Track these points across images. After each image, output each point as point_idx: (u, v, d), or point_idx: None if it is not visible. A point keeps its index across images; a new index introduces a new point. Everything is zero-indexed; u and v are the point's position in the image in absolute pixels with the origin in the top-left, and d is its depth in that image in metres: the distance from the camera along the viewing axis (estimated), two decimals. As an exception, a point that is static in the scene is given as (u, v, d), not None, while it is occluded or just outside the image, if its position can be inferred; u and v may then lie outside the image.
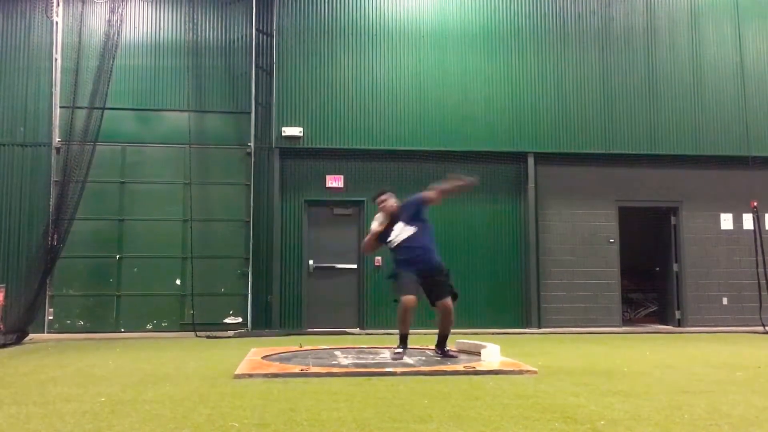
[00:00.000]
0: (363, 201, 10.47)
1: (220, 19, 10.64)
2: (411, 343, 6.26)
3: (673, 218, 11.17)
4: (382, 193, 6.36)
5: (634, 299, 12.22)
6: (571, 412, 3.72)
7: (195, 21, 10.51)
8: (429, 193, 6.28)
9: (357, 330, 10.09)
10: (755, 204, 10.82)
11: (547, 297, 10.60)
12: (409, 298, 5.88)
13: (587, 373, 5.42)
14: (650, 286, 12.03)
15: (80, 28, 10.19)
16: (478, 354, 5.90)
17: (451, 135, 10.56)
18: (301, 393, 4.32)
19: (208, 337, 9.13)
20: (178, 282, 10.06)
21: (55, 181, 9.77)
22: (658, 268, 11.61)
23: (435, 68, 10.68)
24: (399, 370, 5.24)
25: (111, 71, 9.62)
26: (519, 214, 10.78)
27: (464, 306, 10.14)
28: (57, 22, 10.28)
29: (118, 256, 10.02)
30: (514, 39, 10.87)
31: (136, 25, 10.43)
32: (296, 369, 5.26)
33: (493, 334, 9.33)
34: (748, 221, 11.01)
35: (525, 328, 10.39)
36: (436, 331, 6.20)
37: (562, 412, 3.72)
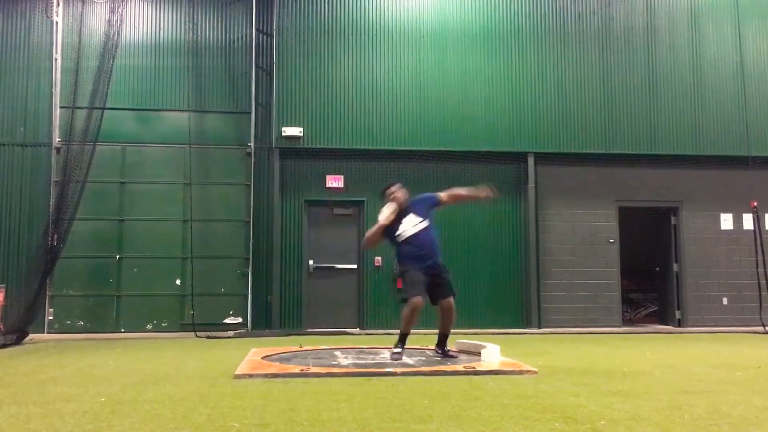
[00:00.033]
0: (363, 201, 10.47)
1: (220, 19, 10.64)
2: (411, 343, 6.26)
3: (673, 218, 11.17)
4: (392, 185, 6.31)
5: (634, 299, 12.22)
6: (571, 412, 3.72)
7: (195, 21, 10.51)
8: (444, 195, 6.28)
9: (357, 330, 10.09)
10: (755, 204, 10.82)
11: (547, 297, 10.60)
12: (419, 300, 5.86)
13: (587, 373, 5.42)
14: (650, 286, 12.03)
15: (80, 28, 10.19)
16: (478, 354, 5.90)
17: (451, 135, 10.56)
18: (301, 393, 4.32)
19: (208, 337, 9.13)
20: (178, 282, 10.06)
21: (55, 181, 9.77)
22: (658, 268, 11.61)
23: (435, 68, 10.68)
24: (399, 370, 5.24)
25: (111, 71, 9.62)
26: (519, 214, 10.77)
27: (464, 306, 10.13)
28: (57, 22, 10.28)
29: (118, 256, 10.03)
30: (514, 39, 10.87)
31: (136, 25, 10.43)
32: (296, 369, 5.26)
33: (493, 334, 9.33)
34: (748, 221, 11.01)
35: (525, 328, 10.39)
36: (436, 331, 6.20)
37: (562, 412, 3.72)
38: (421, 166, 10.49)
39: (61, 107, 10.08)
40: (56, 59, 10.22)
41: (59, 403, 4.04)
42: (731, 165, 11.11)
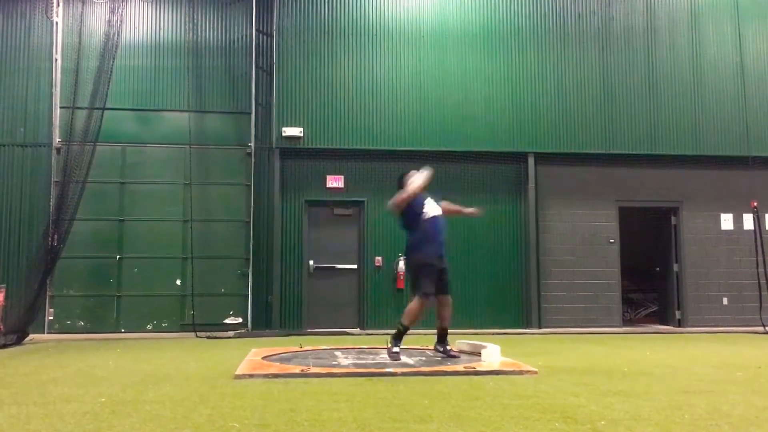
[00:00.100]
0: (363, 201, 10.48)
1: (220, 19, 10.64)
2: (411, 343, 6.26)
3: (673, 218, 11.17)
4: (410, 172, 6.26)
5: (635, 299, 12.22)
6: (572, 412, 3.72)
7: (195, 21, 10.52)
8: (443, 204, 6.29)
9: (357, 330, 10.09)
10: (755, 204, 10.82)
11: (547, 297, 10.60)
12: (432, 300, 5.88)
13: (587, 373, 5.42)
14: (650, 287, 12.03)
15: (80, 29, 10.19)
16: (479, 354, 5.89)
17: (451, 135, 10.56)
18: (302, 393, 4.33)
19: (209, 337, 9.13)
20: (178, 282, 10.07)
21: (56, 181, 9.77)
22: (658, 269, 11.61)
23: (435, 68, 10.68)
24: (399, 370, 5.24)
25: (111, 71, 9.62)
26: (519, 214, 10.78)
27: (464, 306, 10.18)
28: (57, 23, 10.28)
29: (118, 257, 10.03)
30: (514, 39, 10.88)
31: (136, 26, 10.43)
32: (296, 369, 5.26)
33: (493, 334, 9.33)
34: (748, 221, 11.01)
35: (525, 328, 10.39)
36: (435, 331, 6.16)
37: (563, 412, 3.72)
38: (421, 166, 10.43)
39: (61, 107, 10.09)
40: (56, 59, 10.23)
41: (60, 404, 4.04)
42: (731, 165, 11.11)
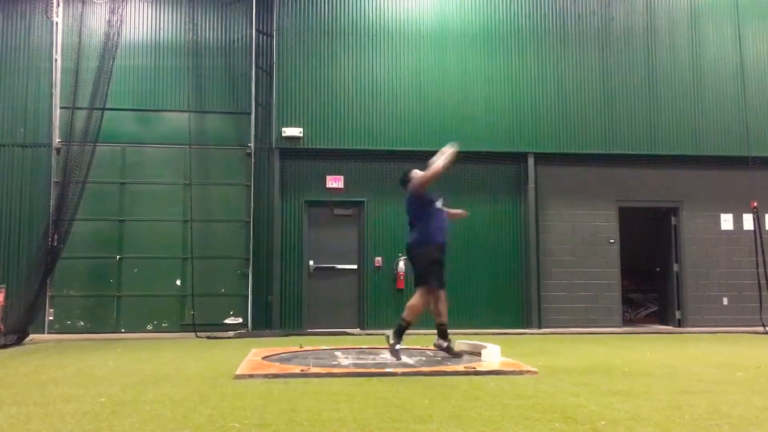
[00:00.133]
0: (363, 201, 10.48)
1: (220, 19, 10.64)
2: (412, 343, 6.25)
3: (673, 218, 11.17)
4: (412, 170, 6.27)
5: (635, 299, 12.22)
6: (572, 412, 3.72)
7: (195, 21, 10.52)
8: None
9: (357, 330, 10.09)
10: (755, 204, 10.82)
11: (547, 297, 10.60)
12: (442, 293, 5.91)
13: (587, 373, 5.42)
14: (650, 287, 12.03)
15: (80, 29, 10.20)
16: (479, 354, 5.89)
17: (451, 135, 10.44)
18: (302, 393, 4.33)
19: (209, 337, 9.13)
20: (178, 282, 10.07)
21: (56, 181, 9.77)
22: (658, 269, 11.61)
23: (435, 68, 10.68)
24: (399, 370, 5.24)
25: (111, 72, 9.62)
26: (519, 214, 10.78)
27: (464, 306, 10.20)
28: (57, 23, 10.28)
29: (118, 257, 10.03)
30: (514, 39, 10.88)
31: (136, 26, 10.43)
32: (296, 369, 5.26)
33: (493, 334, 9.33)
34: (748, 221, 11.01)
35: (525, 328, 10.39)
36: (448, 331, 6.09)
37: (563, 412, 3.72)
38: (421, 166, 10.46)
39: (61, 108, 10.09)
40: (56, 60, 10.23)
41: (60, 404, 4.04)
42: (731, 165, 11.11)
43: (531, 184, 10.69)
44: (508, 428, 3.34)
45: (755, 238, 10.77)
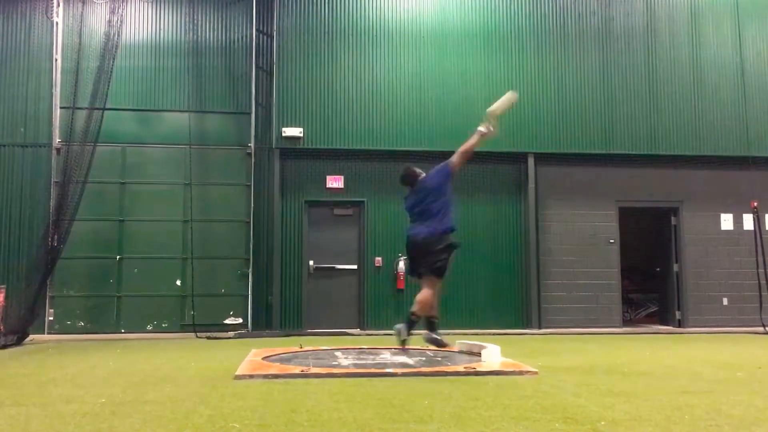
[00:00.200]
0: (363, 201, 10.48)
1: (220, 19, 10.65)
2: (411, 343, 6.24)
3: (673, 218, 11.17)
4: (412, 168, 6.36)
5: (635, 299, 12.23)
6: (572, 412, 3.72)
7: (195, 21, 10.52)
8: (455, 160, 6.25)
9: (357, 330, 10.09)
10: (755, 204, 10.81)
11: (547, 297, 10.60)
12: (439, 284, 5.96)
13: (587, 373, 5.42)
14: (650, 287, 12.03)
15: (80, 29, 10.20)
16: (479, 354, 5.89)
17: (451, 135, 10.52)
18: (302, 394, 4.32)
19: (209, 337, 9.13)
20: (178, 283, 10.07)
21: (56, 181, 9.77)
22: (658, 269, 11.61)
23: (435, 68, 10.68)
24: (399, 370, 5.24)
25: (111, 72, 9.61)
26: (519, 215, 10.78)
27: (464, 306, 10.21)
28: (57, 23, 10.29)
29: (118, 257, 10.03)
30: (514, 39, 10.88)
31: (137, 26, 10.43)
32: (297, 370, 5.26)
33: (493, 334, 9.33)
34: (748, 221, 11.01)
35: (525, 328, 10.39)
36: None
37: (563, 412, 3.72)
38: (421, 166, 10.43)
39: (61, 108, 10.09)
40: (56, 60, 10.23)
41: (60, 404, 4.04)
42: (731, 165, 11.11)
43: (531, 184, 10.69)
44: (508, 428, 3.34)
45: (755, 238, 10.76)
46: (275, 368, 5.37)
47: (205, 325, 9.69)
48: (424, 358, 6.03)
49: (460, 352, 6.31)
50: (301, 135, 10.31)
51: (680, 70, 11.11)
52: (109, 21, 9.81)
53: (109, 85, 9.55)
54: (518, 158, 10.79)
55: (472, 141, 6.01)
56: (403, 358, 5.89)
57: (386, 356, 6.15)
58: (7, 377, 5.38)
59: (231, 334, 9.57)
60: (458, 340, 6.57)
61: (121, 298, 9.98)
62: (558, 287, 10.66)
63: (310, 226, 10.49)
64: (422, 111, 10.57)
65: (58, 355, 7.10)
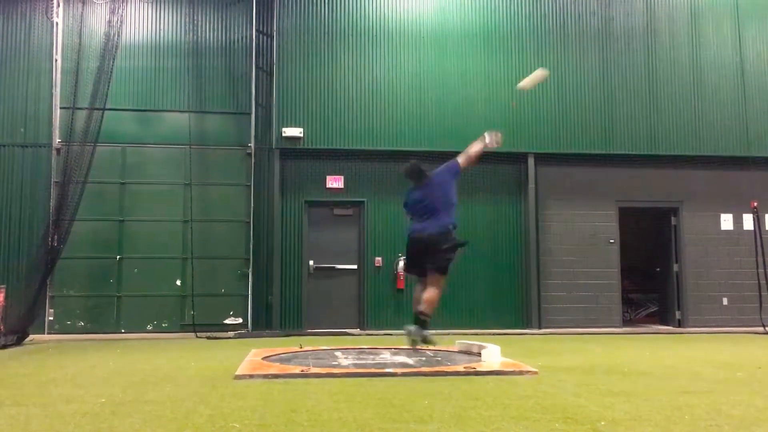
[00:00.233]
0: (363, 201, 10.48)
1: (220, 19, 10.65)
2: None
3: (673, 218, 11.17)
4: (414, 163, 6.43)
5: (635, 299, 12.22)
6: (572, 412, 3.72)
7: (195, 22, 10.52)
8: (462, 161, 6.41)
9: (357, 330, 10.09)
10: (755, 204, 10.81)
11: (547, 297, 10.60)
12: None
13: (587, 373, 5.42)
14: (650, 287, 12.03)
15: (80, 29, 10.20)
16: (479, 354, 5.89)
17: (451, 135, 10.54)
18: (302, 394, 4.32)
19: (209, 337, 9.13)
20: (178, 283, 10.07)
21: (56, 181, 9.77)
22: (658, 269, 11.61)
23: (435, 68, 10.68)
24: (399, 370, 5.24)
25: (111, 72, 9.61)
26: (519, 215, 10.78)
27: (464, 306, 10.21)
28: (57, 23, 10.29)
29: (118, 257, 10.03)
30: (514, 39, 10.88)
31: (137, 26, 10.43)
32: (297, 370, 5.26)
33: (493, 334, 9.33)
34: (748, 221, 11.01)
35: (525, 328, 10.39)
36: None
37: (563, 412, 3.72)
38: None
39: (61, 108, 10.09)
40: (56, 60, 10.23)
41: (60, 404, 4.04)
42: (731, 165, 11.11)
43: (531, 184, 10.70)
44: (508, 428, 3.34)
45: (755, 238, 10.76)
46: (275, 368, 5.37)
47: (205, 325, 9.69)
48: (424, 358, 6.03)
49: (460, 351, 6.31)
50: (301, 135, 10.31)
51: (680, 70, 11.11)
52: (109, 21, 9.81)
53: (109, 86, 9.55)
54: (518, 158, 10.79)
55: (476, 148, 6.08)
56: (402, 358, 5.89)
57: (386, 356, 6.16)
58: (7, 377, 5.39)
59: (231, 334, 9.57)
60: (458, 340, 6.57)
61: (121, 298, 9.98)
62: (558, 287, 10.66)
63: (310, 226, 10.49)
64: (422, 111, 10.57)
65: (58, 355, 7.11)
